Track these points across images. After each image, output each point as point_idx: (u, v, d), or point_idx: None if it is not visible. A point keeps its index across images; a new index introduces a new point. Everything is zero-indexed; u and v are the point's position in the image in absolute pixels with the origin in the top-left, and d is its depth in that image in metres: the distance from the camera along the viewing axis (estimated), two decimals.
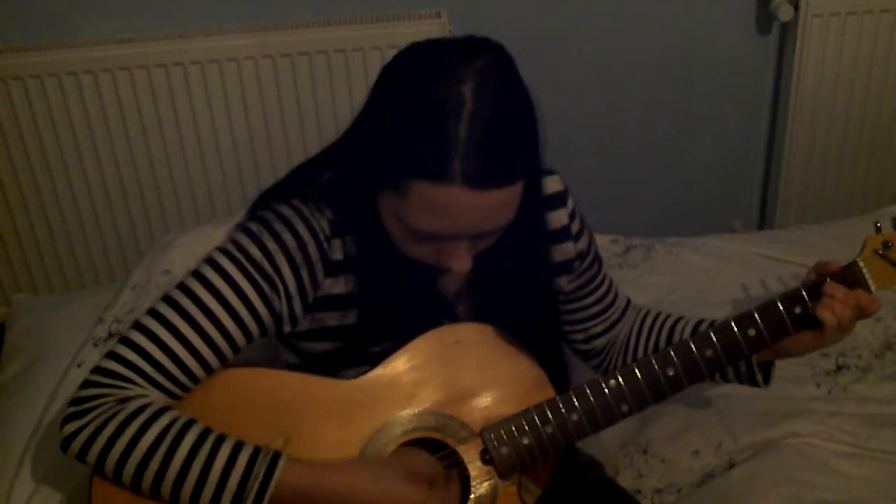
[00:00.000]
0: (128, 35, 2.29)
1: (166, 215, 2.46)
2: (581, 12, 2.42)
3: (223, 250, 1.15)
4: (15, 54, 2.24)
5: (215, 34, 2.29)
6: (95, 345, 1.67)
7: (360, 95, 1.13)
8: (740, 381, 1.34)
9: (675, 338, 1.37)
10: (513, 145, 1.05)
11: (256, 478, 1.07)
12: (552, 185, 1.28)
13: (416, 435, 1.22)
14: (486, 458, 1.22)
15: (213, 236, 1.71)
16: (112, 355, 1.12)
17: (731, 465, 1.48)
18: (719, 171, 2.71)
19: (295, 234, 1.15)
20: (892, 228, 1.23)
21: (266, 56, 2.28)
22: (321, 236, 1.16)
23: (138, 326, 1.13)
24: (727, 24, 2.48)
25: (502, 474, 1.22)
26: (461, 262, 1.10)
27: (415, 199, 1.04)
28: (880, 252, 1.22)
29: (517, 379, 1.26)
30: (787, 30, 2.45)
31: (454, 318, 1.27)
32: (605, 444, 1.54)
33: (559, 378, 1.31)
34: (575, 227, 1.31)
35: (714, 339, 1.21)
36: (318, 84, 2.32)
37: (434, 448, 1.23)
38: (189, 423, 1.09)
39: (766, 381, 1.32)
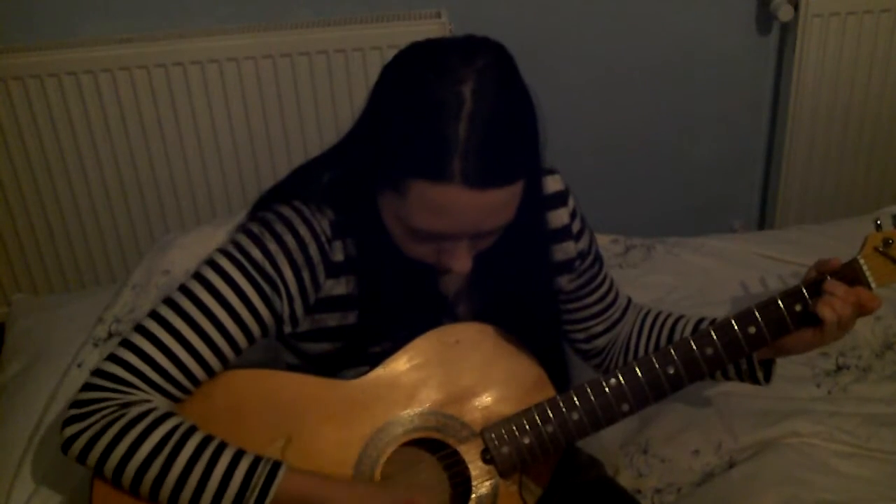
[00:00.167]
0: (128, 35, 2.29)
1: (166, 215, 2.46)
2: (581, 12, 2.42)
3: (224, 252, 1.15)
4: (15, 54, 2.23)
5: (215, 34, 2.29)
6: (95, 345, 1.67)
7: (360, 95, 1.13)
8: (741, 380, 1.34)
9: (676, 337, 1.37)
10: (512, 145, 1.05)
11: (255, 487, 1.07)
12: (553, 184, 1.28)
13: (416, 435, 1.22)
14: (487, 457, 1.22)
15: (213, 236, 1.71)
16: (113, 358, 1.12)
17: (731, 465, 1.48)
18: (719, 170, 2.71)
19: (296, 235, 1.15)
20: (892, 226, 1.23)
21: (266, 56, 2.28)
22: (322, 237, 1.16)
23: (139, 329, 1.13)
24: (727, 24, 2.48)
25: (503, 474, 1.22)
26: (461, 261, 1.11)
27: (415, 198, 1.04)
28: (881, 249, 1.22)
29: (517, 378, 1.26)
30: (787, 30, 2.45)
31: (454, 319, 1.27)
32: (605, 444, 1.54)
33: (560, 377, 1.31)
34: (576, 227, 1.31)
35: (714, 337, 1.21)
36: (318, 84, 2.32)
37: (435, 448, 1.24)
38: (191, 430, 1.09)
39: (767, 379, 1.32)
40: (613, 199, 2.59)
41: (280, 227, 1.15)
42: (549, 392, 1.26)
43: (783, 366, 1.35)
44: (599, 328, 1.40)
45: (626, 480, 1.49)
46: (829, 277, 1.21)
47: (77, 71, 2.24)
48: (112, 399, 1.09)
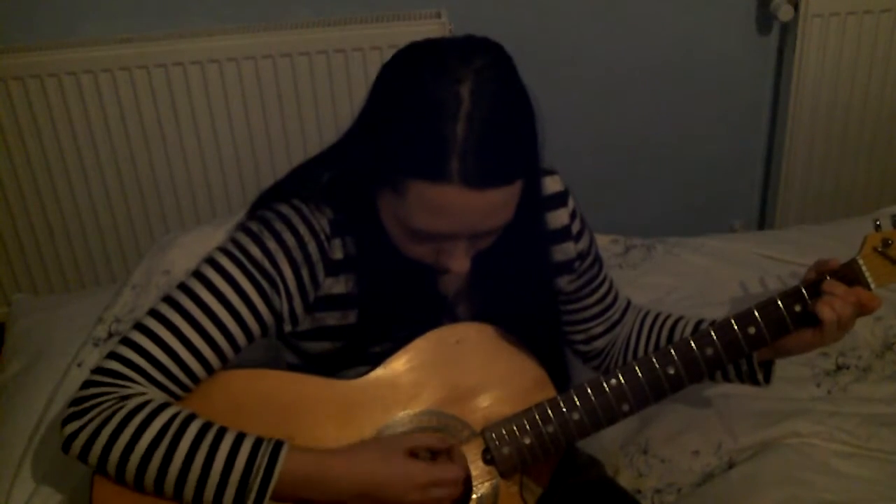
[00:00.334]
0: (128, 35, 2.29)
1: (166, 215, 2.46)
2: (581, 12, 2.42)
3: (224, 250, 1.15)
4: (15, 54, 2.23)
5: (215, 34, 2.29)
6: (95, 345, 1.67)
7: (360, 95, 1.13)
8: (741, 381, 1.34)
9: (676, 338, 1.37)
10: (510, 145, 1.05)
11: (260, 467, 1.07)
12: (553, 185, 1.28)
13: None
14: (488, 457, 1.22)
15: (213, 236, 1.71)
16: (113, 355, 1.12)
17: (731, 465, 1.48)
18: (719, 171, 2.71)
19: (295, 233, 1.15)
20: (891, 226, 1.24)
21: (266, 56, 2.28)
22: (322, 236, 1.16)
23: (139, 326, 1.13)
24: (727, 24, 2.48)
25: (504, 474, 1.22)
26: (459, 261, 1.11)
27: (413, 198, 1.04)
28: (880, 249, 1.23)
29: (518, 378, 1.26)
30: (787, 30, 2.45)
31: (454, 319, 1.27)
32: (605, 444, 1.54)
33: (560, 378, 1.31)
34: (576, 228, 1.31)
35: (714, 337, 1.22)
36: (318, 84, 2.32)
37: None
38: (190, 417, 1.09)
39: (767, 380, 1.32)
40: (613, 199, 2.59)
41: (279, 226, 1.15)
42: (550, 392, 1.26)
43: (783, 366, 1.35)
44: (599, 329, 1.40)
45: (626, 480, 1.49)
46: (828, 277, 1.21)
47: (77, 71, 2.24)
48: (110, 393, 1.09)
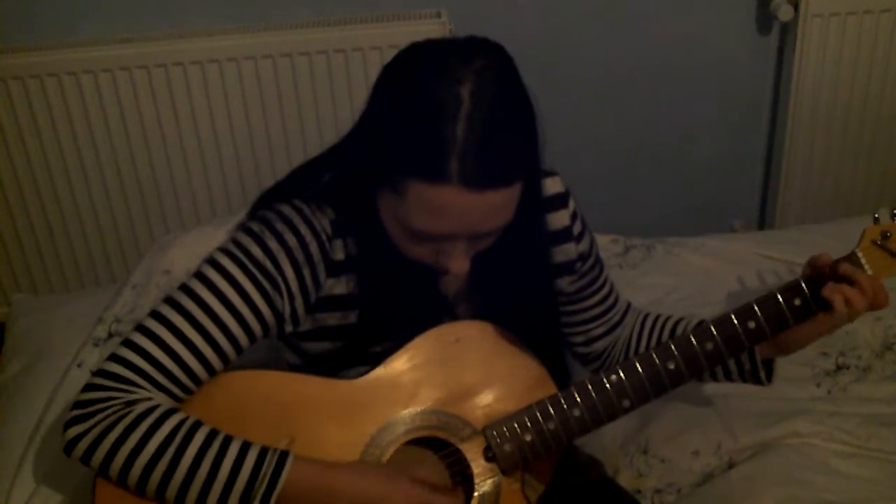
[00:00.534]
0: (128, 35, 2.29)
1: (166, 215, 2.46)
2: (581, 12, 2.42)
3: (225, 250, 1.15)
4: (15, 54, 2.23)
5: (215, 34, 2.29)
6: (95, 345, 1.67)
7: (360, 95, 1.13)
8: (744, 380, 1.34)
9: None
10: (510, 146, 1.04)
11: (264, 477, 1.07)
12: (553, 186, 1.28)
13: (418, 434, 1.22)
14: (489, 455, 1.22)
15: (213, 236, 1.71)
16: (115, 358, 1.11)
17: (731, 465, 1.49)
18: (719, 171, 2.71)
19: (297, 233, 1.15)
20: (890, 219, 1.24)
21: (266, 56, 2.28)
22: (323, 236, 1.16)
23: (141, 328, 1.13)
24: (727, 24, 2.48)
25: (505, 471, 1.22)
26: (458, 262, 1.10)
27: (412, 199, 1.04)
28: (879, 242, 1.23)
29: (518, 376, 1.26)
30: (787, 30, 2.45)
31: (455, 318, 1.27)
32: (605, 444, 1.54)
33: (560, 376, 1.31)
34: (576, 229, 1.31)
35: (714, 332, 1.22)
36: (318, 84, 2.32)
37: (437, 446, 1.24)
38: (196, 425, 1.09)
39: (769, 378, 1.32)
40: (613, 199, 2.59)
41: (281, 226, 1.15)
42: (551, 389, 1.26)
43: (783, 366, 1.35)
44: (599, 331, 1.40)
45: (626, 480, 1.49)
46: (843, 263, 1.21)
47: (77, 71, 2.24)
48: (115, 398, 1.09)
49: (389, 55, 1.09)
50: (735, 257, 2.00)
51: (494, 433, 1.21)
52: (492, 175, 1.02)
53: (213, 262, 1.15)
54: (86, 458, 1.08)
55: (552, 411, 1.21)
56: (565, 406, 1.21)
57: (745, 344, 1.23)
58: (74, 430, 1.08)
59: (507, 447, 1.21)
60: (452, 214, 1.03)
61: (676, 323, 1.39)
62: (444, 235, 1.07)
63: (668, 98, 2.56)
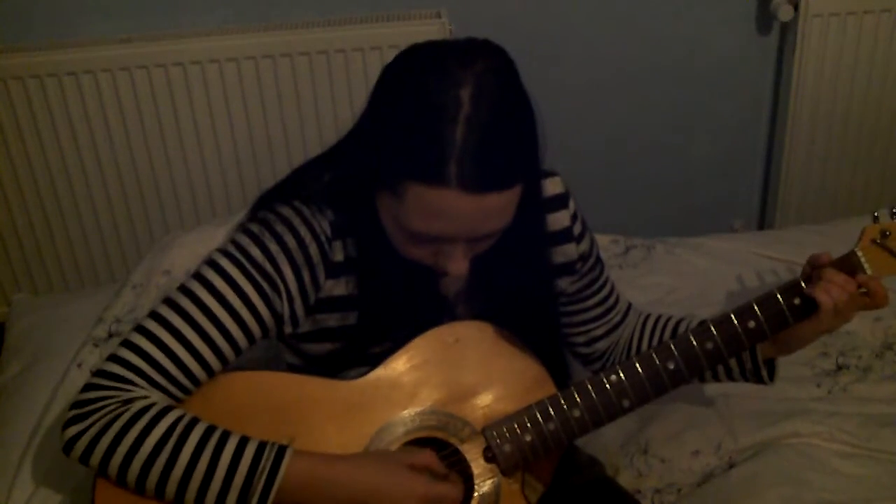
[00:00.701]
0: (128, 35, 2.29)
1: (166, 215, 2.46)
2: (581, 12, 2.42)
3: (224, 251, 1.15)
4: (15, 54, 2.23)
5: (215, 34, 2.29)
6: (95, 345, 1.67)
7: (360, 95, 1.13)
8: (746, 379, 1.34)
9: None
10: (510, 149, 1.04)
11: (263, 471, 1.07)
12: (554, 187, 1.28)
13: (418, 434, 1.22)
14: (489, 455, 1.22)
15: (213, 236, 1.71)
16: (113, 358, 1.12)
17: (731, 465, 1.48)
18: (719, 170, 2.71)
19: (296, 235, 1.15)
20: (889, 218, 1.24)
21: (266, 56, 2.28)
22: (322, 237, 1.16)
23: (140, 329, 1.13)
24: (727, 24, 2.48)
25: (505, 472, 1.22)
26: (457, 264, 1.10)
27: (411, 201, 1.04)
28: (878, 241, 1.23)
29: (518, 376, 1.26)
30: (787, 30, 2.45)
31: (454, 319, 1.27)
32: (605, 444, 1.54)
33: (560, 376, 1.31)
34: (577, 229, 1.31)
35: (714, 331, 1.22)
36: (318, 84, 2.32)
37: (436, 447, 1.23)
38: (194, 421, 1.09)
39: (771, 377, 1.32)
40: (613, 199, 2.59)
41: (280, 227, 1.15)
42: (550, 389, 1.26)
43: (783, 366, 1.35)
44: (600, 331, 1.40)
45: (626, 480, 1.49)
46: (828, 268, 1.21)
47: (77, 71, 2.24)
48: (112, 397, 1.09)
49: (389, 55, 1.09)
50: (735, 257, 2.00)
51: (494, 433, 1.21)
52: (491, 178, 1.02)
53: (212, 263, 1.15)
54: (84, 457, 1.08)
55: (552, 412, 1.21)
56: (565, 406, 1.21)
57: (745, 344, 1.23)
58: (72, 430, 1.08)
59: (506, 447, 1.21)
60: (451, 217, 1.03)
61: (678, 323, 1.39)
62: (442, 238, 1.07)
63: (668, 98, 2.56)
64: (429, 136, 1.00)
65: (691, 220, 2.64)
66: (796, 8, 2.37)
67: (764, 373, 1.31)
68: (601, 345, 1.42)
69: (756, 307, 1.22)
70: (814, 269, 1.24)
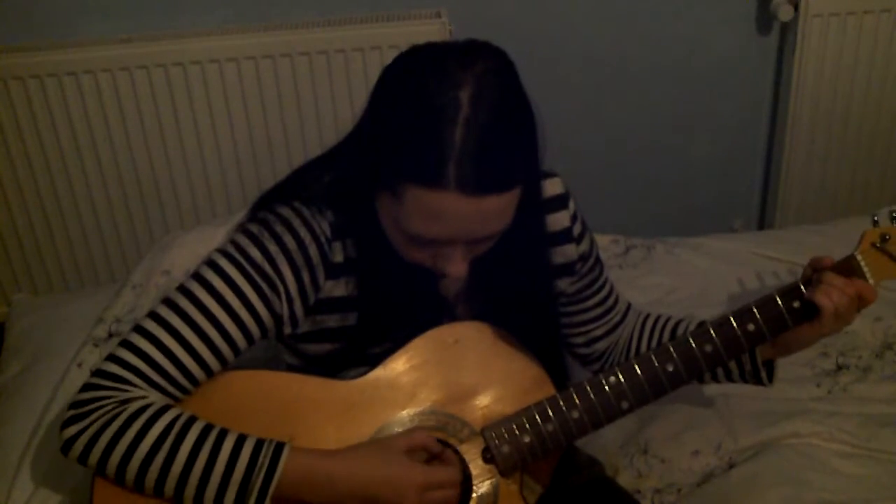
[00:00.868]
0: (128, 35, 2.29)
1: (166, 215, 2.46)
2: (581, 12, 2.42)
3: (223, 252, 1.15)
4: (15, 54, 2.23)
5: (215, 34, 2.29)
6: (95, 345, 1.67)
7: (361, 95, 1.13)
8: (745, 381, 1.34)
9: None
10: (509, 152, 1.04)
11: (262, 467, 1.07)
12: (553, 187, 1.28)
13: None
14: (488, 456, 1.22)
15: (213, 236, 1.72)
16: (112, 358, 1.12)
17: (731, 465, 1.48)
18: (719, 170, 2.71)
19: (296, 236, 1.15)
20: (889, 222, 1.24)
21: (266, 56, 2.28)
22: (322, 238, 1.16)
23: (138, 329, 1.13)
24: (727, 24, 2.48)
25: (504, 473, 1.22)
26: (456, 266, 1.10)
27: (410, 203, 1.03)
28: (878, 245, 1.23)
29: (517, 377, 1.26)
30: (787, 30, 2.45)
31: (454, 319, 1.27)
32: (604, 444, 1.54)
33: (559, 377, 1.31)
34: (577, 230, 1.31)
35: (713, 334, 1.22)
36: (318, 84, 2.32)
37: None
38: (191, 420, 1.09)
39: (770, 379, 1.32)
40: (613, 199, 2.59)
41: (280, 228, 1.15)
42: (549, 390, 1.26)
43: (783, 366, 1.35)
44: (599, 332, 1.40)
45: (626, 480, 1.49)
46: (827, 271, 1.21)
47: (77, 71, 2.24)
48: (110, 397, 1.09)
49: (389, 55, 1.09)
50: (735, 257, 2.00)
51: (493, 434, 1.21)
52: (490, 180, 1.02)
53: (211, 263, 1.15)
54: (82, 456, 1.08)
55: (551, 413, 1.21)
56: (564, 408, 1.21)
57: (744, 346, 1.23)
58: (71, 430, 1.08)
59: (505, 448, 1.21)
60: (450, 219, 1.03)
61: (677, 324, 1.39)
62: (441, 240, 1.07)
63: (667, 98, 2.56)
64: (428, 137, 1.00)
65: (691, 220, 2.64)
66: (796, 8, 2.37)
67: (763, 374, 1.31)
68: (601, 345, 1.42)
69: (755, 310, 1.22)
70: (814, 272, 1.24)
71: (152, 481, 1.08)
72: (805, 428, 1.51)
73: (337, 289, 1.18)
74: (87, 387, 1.10)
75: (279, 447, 1.09)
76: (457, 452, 1.22)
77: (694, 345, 1.22)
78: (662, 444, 1.54)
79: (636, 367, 1.21)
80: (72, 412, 1.09)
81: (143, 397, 1.10)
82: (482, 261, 1.14)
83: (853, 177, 2.62)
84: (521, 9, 2.39)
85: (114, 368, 1.11)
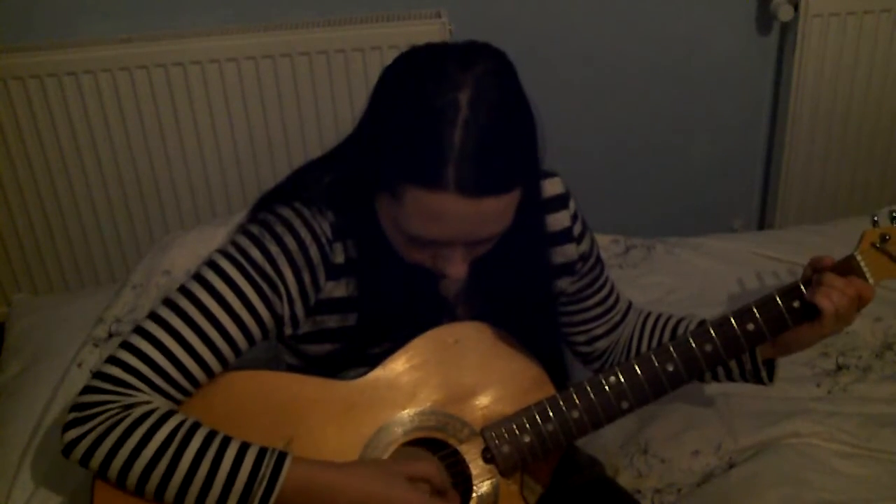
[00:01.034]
0: (128, 35, 2.29)
1: (166, 215, 2.46)
2: (581, 12, 2.42)
3: (224, 253, 1.15)
4: (15, 54, 2.23)
5: (215, 34, 2.29)
6: (95, 345, 1.67)
7: (361, 96, 1.13)
8: (745, 380, 1.34)
9: None
10: (508, 153, 1.04)
11: (263, 478, 1.07)
12: (554, 187, 1.28)
13: (417, 435, 1.22)
14: (488, 456, 1.22)
15: (213, 236, 1.72)
16: (113, 360, 1.11)
17: (731, 465, 1.48)
18: (719, 170, 2.71)
19: (297, 236, 1.15)
20: (889, 222, 1.24)
21: (266, 56, 2.28)
22: (323, 239, 1.16)
23: (139, 330, 1.12)
24: (727, 24, 2.48)
25: (504, 473, 1.22)
26: (457, 267, 1.10)
27: (409, 205, 1.03)
28: (877, 245, 1.23)
29: (517, 377, 1.26)
30: (787, 30, 2.45)
31: (454, 320, 1.27)
32: (605, 444, 1.54)
33: (559, 377, 1.31)
34: (577, 230, 1.31)
35: (713, 334, 1.22)
36: (318, 84, 2.32)
37: (435, 448, 1.24)
38: (195, 427, 1.09)
39: (771, 378, 1.32)
40: (613, 199, 2.59)
41: (281, 229, 1.15)
42: (549, 390, 1.26)
43: (783, 366, 1.35)
44: (600, 331, 1.40)
45: (626, 480, 1.49)
46: (827, 272, 1.21)
47: (77, 71, 2.24)
48: (113, 402, 1.09)
49: (389, 55, 1.09)
50: (735, 257, 2.00)
51: (493, 434, 1.21)
52: (489, 182, 1.02)
53: (212, 264, 1.14)
54: (84, 460, 1.08)
55: (551, 413, 1.21)
56: (564, 408, 1.21)
57: (744, 346, 1.23)
58: (73, 433, 1.08)
59: (505, 448, 1.21)
60: (449, 221, 1.03)
61: (678, 323, 1.39)
62: (441, 241, 1.07)
63: (668, 98, 2.56)
64: (427, 139, 1.00)
65: (691, 220, 2.64)
66: (796, 8, 2.37)
67: (763, 374, 1.31)
68: (601, 344, 1.42)
69: (755, 310, 1.22)
70: (815, 272, 1.24)
71: (153, 487, 1.08)
72: (805, 428, 1.51)
73: (337, 289, 1.18)
74: (88, 389, 1.10)
75: (281, 457, 1.09)
76: (456, 453, 1.23)
77: (694, 345, 1.22)
78: (662, 444, 1.54)
79: (636, 366, 1.21)
80: (74, 415, 1.09)
81: (147, 402, 1.10)
82: (482, 261, 1.14)
83: (853, 177, 2.62)
84: (521, 9, 2.39)
85: (115, 371, 1.10)
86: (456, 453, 1.23)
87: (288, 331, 1.19)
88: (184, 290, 1.14)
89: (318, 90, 2.33)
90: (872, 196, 2.64)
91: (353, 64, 2.29)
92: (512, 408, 1.22)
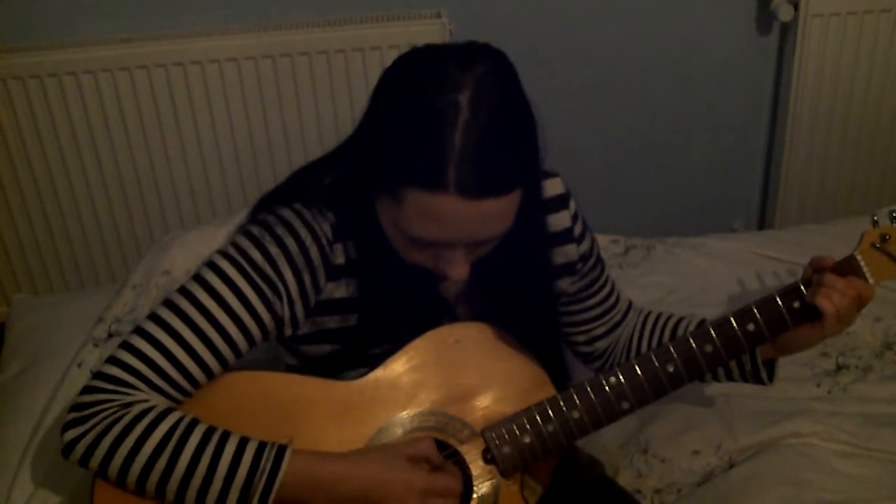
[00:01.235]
0: (128, 35, 2.29)
1: (166, 215, 2.46)
2: (581, 12, 2.42)
3: (225, 254, 1.15)
4: (15, 54, 2.23)
5: (215, 34, 2.29)
6: (95, 345, 1.67)
7: (361, 96, 1.13)
8: (745, 380, 1.34)
9: None
10: (509, 154, 1.04)
11: (263, 471, 1.07)
12: (554, 187, 1.28)
13: (417, 435, 1.22)
14: (488, 457, 1.22)
15: (213, 236, 1.72)
16: (113, 360, 1.11)
17: (731, 465, 1.48)
18: (719, 170, 2.71)
19: (297, 237, 1.15)
20: (889, 222, 1.24)
21: (266, 56, 2.28)
22: (323, 240, 1.16)
23: (139, 331, 1.12)
24: (727, 24, 2.48)
25: (504, 473, 1.22)
26: (458, 268, 1.10)
27: (410, 206, 1.03)
28: (877, 245, 1.23)
29: (517, 377, 1.26)
30: (787, 30, 2.45)
31: (455, 320, 1.27)
32: (605, 444, 1.54)
33: (560, 378, 1.31)
34: (577, 230, 1.31)
35: (713, 334, 1.22)
36: (318, 84, 2.32)
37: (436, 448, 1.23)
38: (194, 423, 1.09)
39: (771, 378, 1.32)
40: (613, 199, 2.60)
41: (281, 230, 1.15)
42: (550, 391, 1.26)
43: (783, 366, 1.35)
44: (600, 331, 1.40)
45: (626, 480, 1.49)
46: (827, 273, 1.21)
47: (77, 71, 2.24)
48: (112, 401, 1.09)
49: (389, 55, 1.09)
50: (735, 257, 2.00)
51: (493, 435, 1.21)
52: (489, 183, 1.02)
53: (212, 265, 1.14)
54: (84, 460, 1.08)
55: (551, 413, 1.21)
56: (564, 408, 1.21)
57: (744, 347, 1.23)
58: (72, 433, 1.08)
59: (505, 449, 1.21)
60: (450, 222, 1.03)
61: (678, 323, 1.39)
62: (442, 242, 1.07)
63: (668, 98, 2.56)
64: (427, 140, 1.00)
65: (691, 220, 2.64)
66: (796, 8, 2.37)
67: (763, 374, 1.31)
68: (602, 343, 1.42)
69: (755, 310, 1.21)
70: (815, 273, 1.24)
71: (154, 485, 1.08)
72: (805, 428, 1.51)
73: (338, 290, 1.18)
74: (87, 389, 1.10)
75: (281, 450, 1.09)
76: (457, 453, 1.23)
77: (694, 345, 1.22)
78: (662, 444, 1.54)
79: (636, 367, 1.21)
80: (73, 415, 1.09)
81: (145, 400, 1.10)
82: (483, 261, 1.14)
83: (853, 177, 2.62)
84: (521, 9, 2.39)
85: (114, 371, 1.10)
86: (456, 454, 1.23)
87: (288, 332, 1.18)
88: (184, 291, 1.14)
89: (318, 90, 2.33)
90: (872, 196, 2.64)
91: (353, 64, 2.29)
92: (512, 408, 1.22)
